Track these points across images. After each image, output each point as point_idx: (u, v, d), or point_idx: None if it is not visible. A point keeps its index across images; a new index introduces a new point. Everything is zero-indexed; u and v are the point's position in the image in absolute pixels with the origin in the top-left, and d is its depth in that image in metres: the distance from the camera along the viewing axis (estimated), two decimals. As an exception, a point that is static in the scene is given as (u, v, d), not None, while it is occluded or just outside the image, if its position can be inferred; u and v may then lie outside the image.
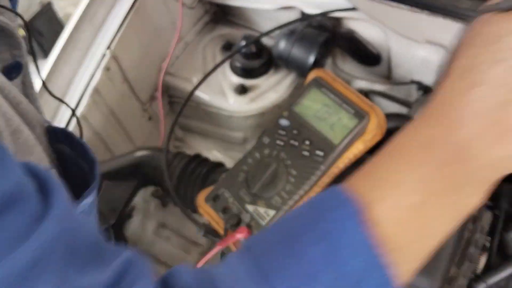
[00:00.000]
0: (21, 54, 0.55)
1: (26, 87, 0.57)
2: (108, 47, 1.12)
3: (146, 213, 1.42)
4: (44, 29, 3.09)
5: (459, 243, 0.72)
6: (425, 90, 1.23)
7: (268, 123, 1.32)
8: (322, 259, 0.35)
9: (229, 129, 1.34)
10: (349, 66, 1.37)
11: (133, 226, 1.39)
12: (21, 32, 2.25)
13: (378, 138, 0.77)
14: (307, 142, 0.79)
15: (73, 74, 1.09)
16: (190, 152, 1.46)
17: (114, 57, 1.13)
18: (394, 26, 0.91)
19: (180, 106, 1.39)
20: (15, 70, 0.54)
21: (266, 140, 0.83)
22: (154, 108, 1.33)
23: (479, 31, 0.40)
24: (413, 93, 1.31)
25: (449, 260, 0.71)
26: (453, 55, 0.41)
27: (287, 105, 0.84)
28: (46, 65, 1.05)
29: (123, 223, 1.02)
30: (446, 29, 0.84)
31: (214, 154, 1.49)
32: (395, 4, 0.84)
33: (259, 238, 0.41)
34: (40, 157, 0.48)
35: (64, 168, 0.53)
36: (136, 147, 1.31)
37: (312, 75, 0.84)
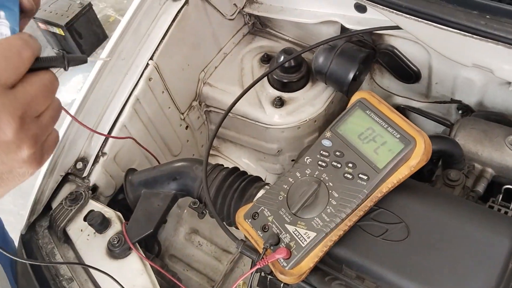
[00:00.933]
0: None
1: None
2: (151, 58, 1.14)
3: (179, 219, 1.44)
4: (83, 30, 3.16)
5: (504, 275, 0.71)
6: (465, 109, 1.22)
7: (304, 138, 1.33)
8: None
9: (264, 140, 1.34)
10: (387, 81, 1.36)
11: (166, 231, 1.42)
12: (61, 32, 2.32)
13: (423, 163, 0.77)
14: (350, 165, 0.79)
15: (116, 83, 1.11)
16: (223, 160, 1.48)
17: (156, 67, 1.15)
18: (440, 48, 0.90)
19: (216, 115, 1.41)
20: None
21: (308, 159, 0.83)
22: (191, 117, 1.35)
23: None
24: (452, 112, 1.30)
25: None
26: None
27: (330, 125, 0.84)
28: (93, 69, 1.07)
29: (154, 232, 1.04)
30: (496, 55, 0.83)
31: (246, 163, 1.50)
32: (444, 27, 0.83)
33: None
34: None
35: None
36: (180, 157, 1.33)
37: (356, 96, 0.83)
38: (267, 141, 1.34)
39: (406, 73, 1.25)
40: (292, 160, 1.40)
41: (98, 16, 3.34)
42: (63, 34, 3.12)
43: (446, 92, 1.22)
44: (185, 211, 1.44)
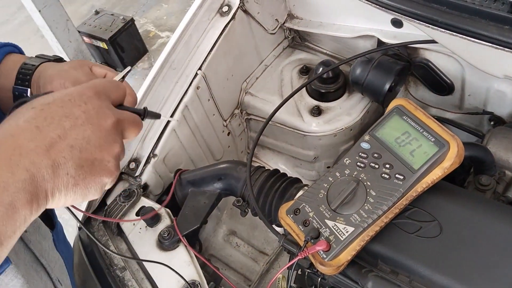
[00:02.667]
0: None
1: None
2: (199, 68, 1.24)
3: (218, 221, 1.52)
4: (125, 44, 3.33)
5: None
6: (497, 121, 1.26)
7: (339, 145, 1.40)
8: None
9: (302, 147, 1.42)
10: (421, 93, 1.41)
11: (206, 231, 1.50)
12: (104, 46, 2.49)
13: (456, 165, 0.82)
14: (387, 166, 0.85)
15: (168, 91, 1.21)
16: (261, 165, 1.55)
17: (204, 77, 1.25)
18: (473, 60, 0.96)
19: (256, 123, 1.50)
20: None
21: (347, 161, 0.90)
22: (233, 125, 1.43)
23: None
24: (485, 124, 1.34)
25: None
26: None
27: (368, 130, 0.91)
28: (148, 78, 1.18)
29: (199, 228, 1.12)
30: (527, 67, 0.88)
31: (282, 169, 1.57)
32: (477, 40, 0.89)
33: None
34: None
35: None
36: (221, 160, 1.41)
37: (394, 103, 0.90)
38: (304, 148, 1.41)
39: (440, 85, 1.30)
40: (328, 167, 1.47)
41: (139, 31, 3.50)
42: (107, 48, 3.29)
43: (478, 104, 1.27)
44: (224, 213, 1.52)
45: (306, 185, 1.05)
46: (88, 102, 0.57)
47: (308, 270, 0.95)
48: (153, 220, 1.08)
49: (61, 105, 0.55)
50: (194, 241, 1.23)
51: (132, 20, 3.36)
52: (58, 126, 0.54)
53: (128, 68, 0.84)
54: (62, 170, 0.53)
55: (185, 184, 1.14)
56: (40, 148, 0.52)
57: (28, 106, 0.55)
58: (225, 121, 1.40)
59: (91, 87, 0.60)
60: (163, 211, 1.11)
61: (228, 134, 1.44)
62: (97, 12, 3.42)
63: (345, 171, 0.90)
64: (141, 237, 1.09)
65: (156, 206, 1.12)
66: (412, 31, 1.17)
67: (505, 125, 1.18)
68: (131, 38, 3.39)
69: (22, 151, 0.50)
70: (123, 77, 0.79)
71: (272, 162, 1.54)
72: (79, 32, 3.29)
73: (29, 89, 0.79)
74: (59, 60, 0.85)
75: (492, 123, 1.25)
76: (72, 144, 0.54)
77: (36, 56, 0.84)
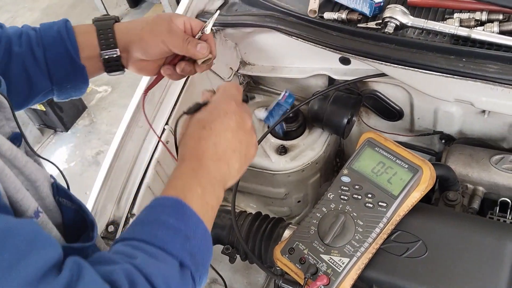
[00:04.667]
0: (15, 125, 0.66)
1: (28, 152, 0.68)
2: (166, 123, 1.26)
3: (198, 272, 1.51)
4: (63, 104, 3.25)
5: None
6: (447, 139, 1.38)
7: (308, 179, 1.45)
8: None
9: (272, 186, 1.46)
10: (373, 121, 1.52)
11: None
12: (42, 108, 2.43)
13: (430, 186, 0.90)
14: (369, 195, 0.91)
15: (137, 148, 1.22)
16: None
17: (171, 131, 1.27)
18: (425, 89, 1.06)
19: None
20: (17, 139, 0.66)
21: (330, 195, 0.96)
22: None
23: (187, 124, 0.75)
24: (436, 142, 1.46)
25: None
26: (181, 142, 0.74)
27: (345, 164, 0.97)
28: (115, 138, 1.18)
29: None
30: (474, 90, 0.99)
31: (255, 209, 1.60)
32: (428, 71, 0.99)
33: (132, 230, 0.62)
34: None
35: (63, 215, 0.68)
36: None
37: (364, 136, 0.97)
38: (274, 186, 1.46)
39: (390, 112, 1.41)
40: (298, 202, 1.52)
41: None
42: (44, 110, 3.20)
43: (428, 125, 1.38)
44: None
45: (290, 223, 1.09)
46: (235, 113, 0.74)
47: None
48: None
49: (221, 122, 0.72)
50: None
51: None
52: (224, 138, 0.71)
53: (217, 13, 0.94)
54: (232, 168, 0.72)
55: (170, 240, 1.14)
56: (215, 157, 0.70)
57: (198, 125, 0.72)
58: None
59: (231, 98, 0.76)
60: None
61: (199, 183, 1.45)
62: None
63: (331, 205, 0.95)
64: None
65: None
66: (359, 66, 1.27)
67: (456, 142, 1.30)
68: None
69: (208, 170, 0.70)
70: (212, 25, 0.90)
71: (244, 204, 1.57)
72: (12, 96, 3.18)
73: (117, 49, 0.86)
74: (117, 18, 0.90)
75: (443, 141, 1.37)
76: (234, 149, 0.72)
77: (95, 20, 0.88)
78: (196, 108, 0.76)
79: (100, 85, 3.80)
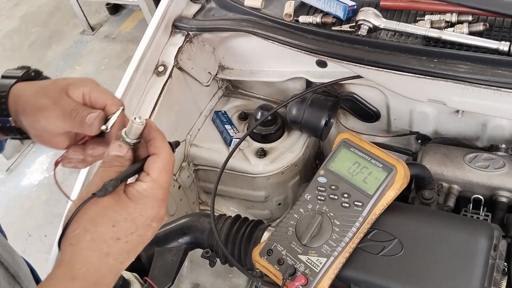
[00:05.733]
0: None
1: None
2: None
3: (180, 276, 1.51)
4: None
5: (486, 270, 0.85)
6: (423, 139, 1.40)
7: (287, 182, 1.46)
8: None
9: (252, 189, 1.47)
10: (351, 123, 1.54)
11: (168, 289, 1.47)
12: None
13: (405, 185, 0.91)
14: (346, 195, 0.92)
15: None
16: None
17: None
18: (399, 90, 1.08)
19: (204, 172, 1.53)
20: None
21: (308, 196, 0.97)
22: (182, 178, 1.45)
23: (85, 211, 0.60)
24: (412, 143, 1.48)
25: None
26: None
27: (322, 164, 0.98)
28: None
29: (171, 286, 1.11)
30: (446, 89, 1.01)
31: (235, 212, 1.60)
32: (401, 72, 1.01)
33: None
34: None
35: None
36: (172, 218, 1.42)
37: (340, 137, 0.98)
38: (254, 189, 1.46)
39: (367, 114, 1.43)
40: (279, 204, 1.53)
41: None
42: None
43: (404, 126, 1.41)
44: (184, 268, 1.51)
45: (269, 225, 1.10)
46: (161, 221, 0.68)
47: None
48: (122, 287, 1.06)
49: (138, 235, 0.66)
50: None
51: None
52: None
53: (120, 109, 0.69)
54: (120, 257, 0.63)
55: (149, 244, 1.13)
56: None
57: (108, 224, 0.60)
58: (175, 175, 1.42)
59: (165, 197, 0.66)
60: (129, 275, 1.09)
61: (179, 187, 1.45)
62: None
63: (308, 206, 0.96)
64: (112, 307, 1.06)
65: (123, 272, 1.10)
66: (336, 69, 1.29)
67: (431, 142, 1.32)
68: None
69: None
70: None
71: (225, 207, 1.57)
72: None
73: (10, 118, 0.70)
74: (26, 74, 0.74)
75: (419, 141, 1.39)
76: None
77: (2, 76, 0.73)
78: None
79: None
